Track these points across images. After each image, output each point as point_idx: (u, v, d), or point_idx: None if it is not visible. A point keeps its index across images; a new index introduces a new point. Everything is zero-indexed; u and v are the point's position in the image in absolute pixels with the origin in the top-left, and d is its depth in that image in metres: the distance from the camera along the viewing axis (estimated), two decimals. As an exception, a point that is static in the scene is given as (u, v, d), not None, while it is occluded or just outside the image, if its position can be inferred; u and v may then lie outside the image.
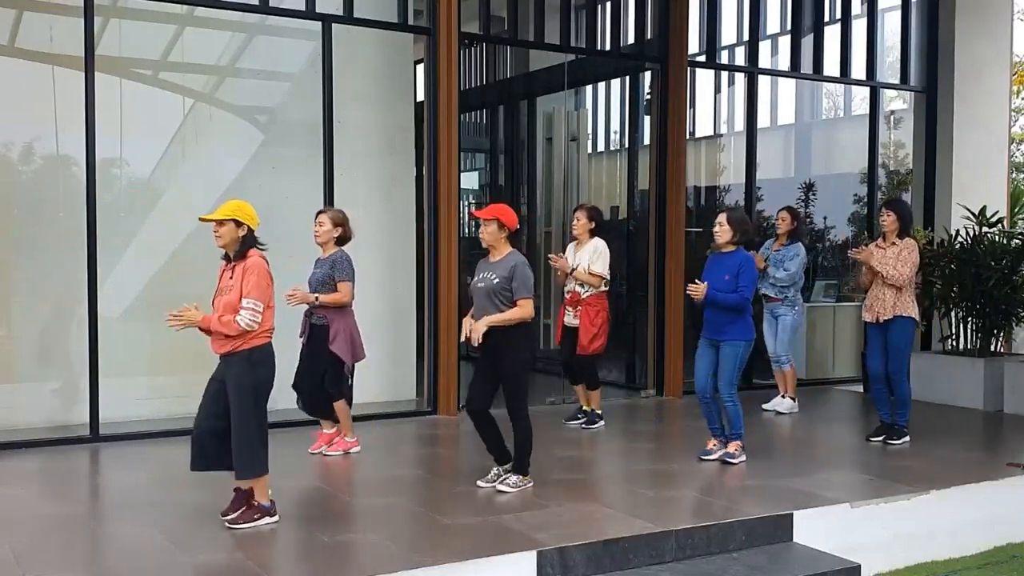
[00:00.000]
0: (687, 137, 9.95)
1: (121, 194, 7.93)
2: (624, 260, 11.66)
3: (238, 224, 5.04)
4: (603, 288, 7.71)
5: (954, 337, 9.82)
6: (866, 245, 7.65)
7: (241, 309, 4.94)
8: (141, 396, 7.64)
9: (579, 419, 8.06)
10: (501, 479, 5.93)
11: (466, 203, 13.37)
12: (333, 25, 8.20)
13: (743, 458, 6.69)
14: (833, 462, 6.99)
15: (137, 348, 7.84)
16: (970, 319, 9.62)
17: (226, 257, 5.15)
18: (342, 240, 6.75)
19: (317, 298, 6.60)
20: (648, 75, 10.28)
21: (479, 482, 5.98)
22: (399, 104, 9.06)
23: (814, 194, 11.95)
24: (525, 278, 5.69)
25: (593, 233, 7.76)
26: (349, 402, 6.96)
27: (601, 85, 12.54)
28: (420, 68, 9.00)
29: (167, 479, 6.21)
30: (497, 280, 5.69)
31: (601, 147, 13.05)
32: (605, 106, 12.83)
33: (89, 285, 7.22)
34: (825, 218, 12.02)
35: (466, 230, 13.12)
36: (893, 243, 7.40)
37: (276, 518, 5.18)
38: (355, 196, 8.53)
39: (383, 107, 8.96)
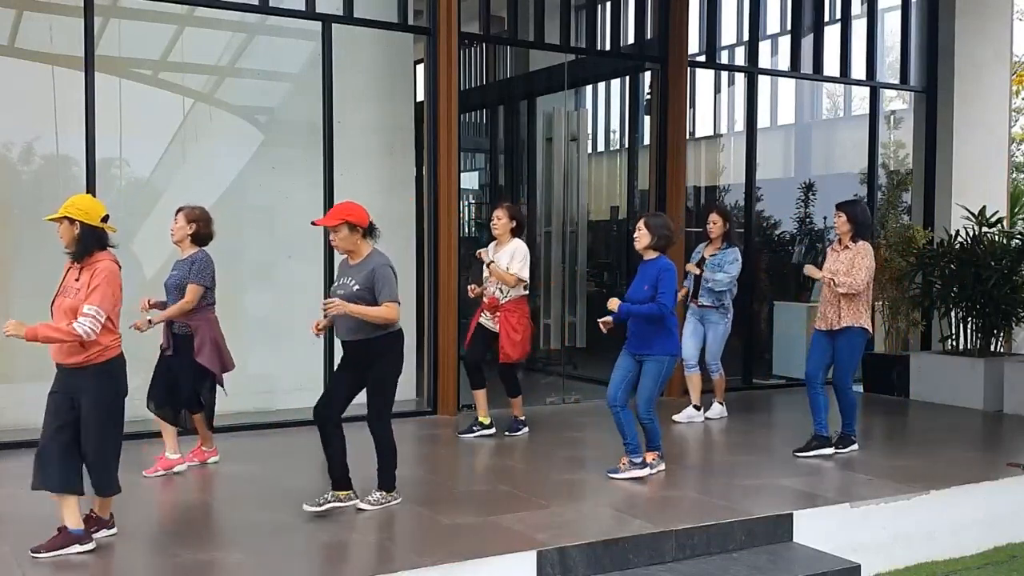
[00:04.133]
0: (687, 137, 9.95)
1: (121, 194, 7.93)
2: (624, 261, 11.67)
3: (72, 221, 4.68)
4: (523, 292, 7.43)
5: (954, 337, 9.82)
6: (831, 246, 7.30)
7: (81, 316, 4.54)
8: (141, 396, 7.64)
9: (474, 431, 7.56)
10: (367, 496, 5.44)
11: (466, 203, 13.38)
12: (333, 25, 8.20)
13: (661, 468, 6.35)
14: (833, 462, 6.99)
15: (137, 348, 7.82)
16: (970, 319, 9.62)
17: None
18: (199, 239, 6.19)
19: (151, 321, 6.04)
20: (648, 75, 10.28)
21: (305, 505, 5.34)
22: (399, 104, 9.06)
23: (814, 194, 11.95)
24: (387, 281, 5.25)
25: (514, 233, 7.44)
26: (212, 413, 6.39)
27: (601, 85, 12.54)
28: (420, 68, 9.01)
29: (165, 478, 6.20)
30: (357, 287, 5.27)
31: (601, 147, 13.05)
32: (605, 106, 12.83)
33: (89, 285, 7.21)
34: (825, 218, 12.02)
35: (466, 230, 13.14)
36: (847, 247, 7.04)
37: (113, 531, 4.90)
38: (355, 196, 8.41)
39: (383, 107, 8.96)
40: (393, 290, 5.28)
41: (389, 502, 5.49)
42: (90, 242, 4.72)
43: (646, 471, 6.27)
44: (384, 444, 5.47)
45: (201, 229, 6.19)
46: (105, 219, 4.78)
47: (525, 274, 7.33)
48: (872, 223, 7.20)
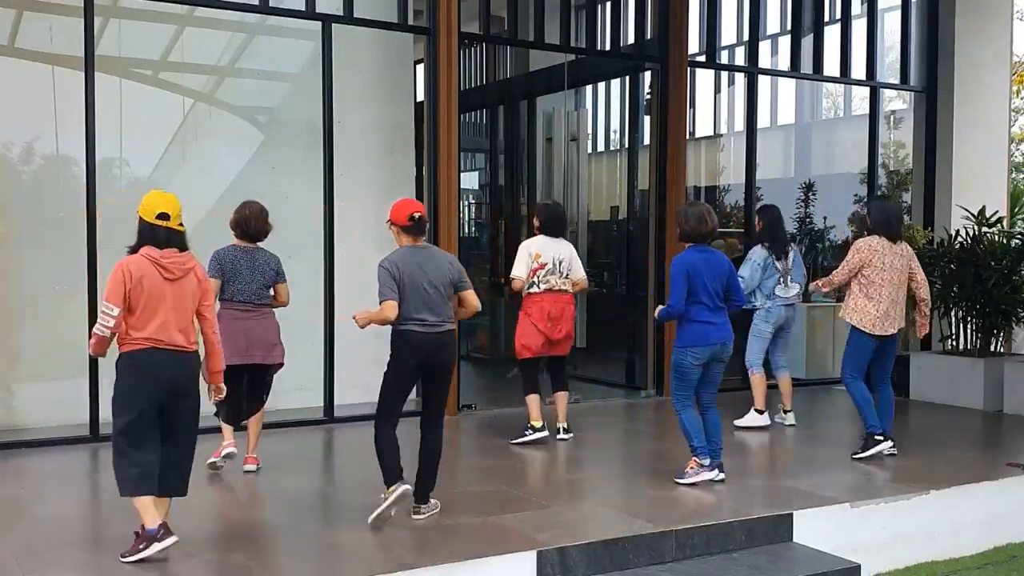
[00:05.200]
0: (687, 137, 9.95)
1: (121, 194, 7.92)
2: (624, 260, 11.66)
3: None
4: (529, 290, 7.32)
5: (954, 337, 9.82)
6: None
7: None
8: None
9: (526, 435, 7.38)
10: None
11: (466, 203, 13.38)
12: (333, 25, 8.20)
13: (696, 479, 6.09)
14: (833, 462, 6.99)
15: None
16: (970, 319, 9.62)
17: None
18: (237, 233, 6.34)
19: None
20: (648, 75, 10.28)
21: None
22: (399, 104, 9.06)
23: (814, 194, 11.96)
24: (378, 280, 5.22)
25: (539, 231, 7.44)
26: (229, 417, 6.39)
27: (601, 85, 12.54)
28: (420, 68, 9.01)
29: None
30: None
31: (601, 147, 13.06)
32: (605, 106, 12.84)
33: (89, 285, 7.22)
34: (825, 218, 12.03)
35: (466, 230, 13.14)
36: None
37: (166, 542, 4.60)
38: (355, 196, 8.54)
39: (383, 107, 8.96)
40: (382, 290, 5.17)
41: (384, 499, 5.18)
42: (141, 237, 4.68)
43: (712, 473, 6.13)
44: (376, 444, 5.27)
45: (231, 223, 6.32)
46: (163, 216, 4.65)
47: (517, 272, 7.28)
48: (888, 219, 7.11)
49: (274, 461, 6.76)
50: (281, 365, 6.41)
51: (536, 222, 7.49)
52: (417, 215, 5.35)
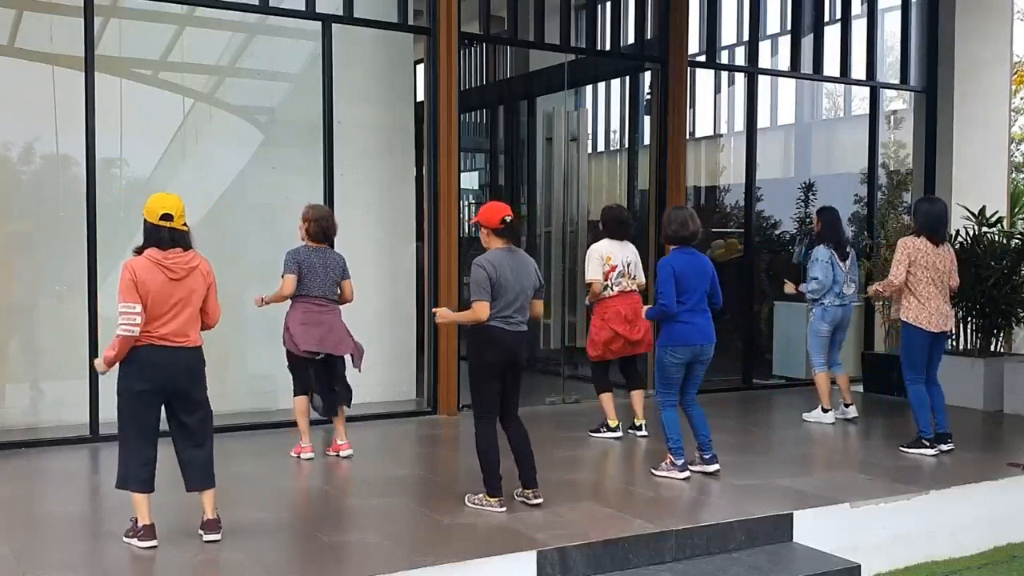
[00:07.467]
0: (687, 137, 9.95)
1: (121, 194, 7.93)
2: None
3: None
4: (606, 293, 7.35)
5: (954, 337, 9.81)
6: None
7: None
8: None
9: (600, 432, 7.63)
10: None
11: (466, 203, 13.38)
12: (333, 25, 8.20)
13: (665, 474, 6.27)
14: (833, 462, 6.98)
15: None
16: (970, 319, 9.61)
17: None
18: (310, 235, 6.66)
19: (263, 299, 6.72)
20: (648, 75, 10.28)
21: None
22: (399, 104, 9.06)
23: (814, 194, 11.95)
24: (473, 279, 5.34)
25: (603, 234, 7.53)
26: (304, 389, 6.76)
27: (601, 85, 12.54)
28: (420, 68, 9.01)
29: (166, 480, 6.19)
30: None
31: (601, 147, 13.05)
32: (605, 106, 12.83)
33: (89, 285, 7.22)
34: (826, 218, 12.00)
35: (466, 229, 13.14)
36: None
37: (147, 543, 4.76)
38: (355, 196, 8.54)
39: (383, 107, 8.96)
40: (477, 290, 5.31)
41: (480, 506, 5.48)
42: (147, 239, 4.76)
43: (682, 474, 6.25)
44: (476, 443, 5.49)
45: (311, 228, 6.61)
46: (166, 217, 4.70)
47: (589, 275, 7.39)
48: (932, 223, 7.13)
49: (274, 461, 6.75)
50: (353, 357, 6.74)
51: (601, 225, 7.58)
52: (508, 219, 5.45)
